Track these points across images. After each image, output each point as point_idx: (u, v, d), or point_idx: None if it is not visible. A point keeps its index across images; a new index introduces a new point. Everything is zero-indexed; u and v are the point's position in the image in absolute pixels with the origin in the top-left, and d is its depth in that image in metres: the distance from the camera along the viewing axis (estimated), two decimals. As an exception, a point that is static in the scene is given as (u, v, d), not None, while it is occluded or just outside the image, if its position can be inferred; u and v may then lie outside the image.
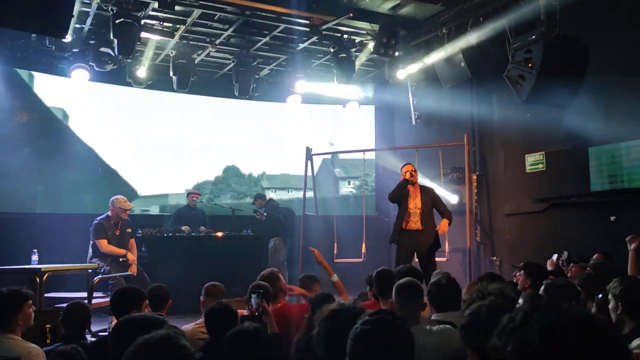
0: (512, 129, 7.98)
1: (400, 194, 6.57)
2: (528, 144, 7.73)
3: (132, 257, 6.77)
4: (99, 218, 6.84)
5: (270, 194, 10.03)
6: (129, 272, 6.51)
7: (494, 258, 8.27)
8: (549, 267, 5.22)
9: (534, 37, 6.14)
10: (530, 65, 6.12)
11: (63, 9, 4.05)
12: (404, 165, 6.69)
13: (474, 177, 8.48)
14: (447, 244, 7.99)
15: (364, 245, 8.31)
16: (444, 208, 6.61)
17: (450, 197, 8.35)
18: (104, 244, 6.64)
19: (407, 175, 6.49)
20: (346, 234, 8.75)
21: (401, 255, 6.49)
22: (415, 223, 6.52)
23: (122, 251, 6.73)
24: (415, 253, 6.51)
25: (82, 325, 3.46)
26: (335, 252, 8.23)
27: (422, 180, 8.09)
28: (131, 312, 3.25)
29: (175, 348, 1.65)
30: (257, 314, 3.44)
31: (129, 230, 7.03)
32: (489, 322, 2.08)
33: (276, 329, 3.47)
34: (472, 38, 7.35)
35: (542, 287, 3.27)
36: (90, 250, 6.76)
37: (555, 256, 5.29)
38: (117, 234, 6.86)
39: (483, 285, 2.71)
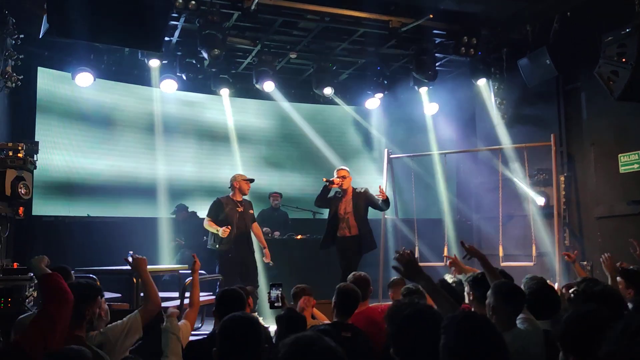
0: (604, 128, 7.60)
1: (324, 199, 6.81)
2: (621, 144, 7.33)
3: (226, 232, 6.45)
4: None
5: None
6: (218, 275, 6.66)
7: (585, 263, 7.90)
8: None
9: (627, 30, 5.81)
10: (624, 60, 5.81)
11: (159, 26, 4.35)
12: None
13: (562, 178, 8.14)
14: (533, 248, 7.75)
15: (445, 249, 8.22)
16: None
17: (536, 199, 8.09)
18: (206, 222, 6.71)
19: (336, 180, 6.73)
20: (427, 237, 8.68)
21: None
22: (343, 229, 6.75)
23: (215, 227, 6.55)
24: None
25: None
26: (417, 255, 8.18)
27: (508, 180, 7.96)
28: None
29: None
30: (276, 304, 3.97)
31: (251, 211, 6.95)
32: (594, 329, 2.03)
33: None
34: (558, 34, 7.09)
35: None
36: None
37: None
38: (240, 210, 6.77)
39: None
